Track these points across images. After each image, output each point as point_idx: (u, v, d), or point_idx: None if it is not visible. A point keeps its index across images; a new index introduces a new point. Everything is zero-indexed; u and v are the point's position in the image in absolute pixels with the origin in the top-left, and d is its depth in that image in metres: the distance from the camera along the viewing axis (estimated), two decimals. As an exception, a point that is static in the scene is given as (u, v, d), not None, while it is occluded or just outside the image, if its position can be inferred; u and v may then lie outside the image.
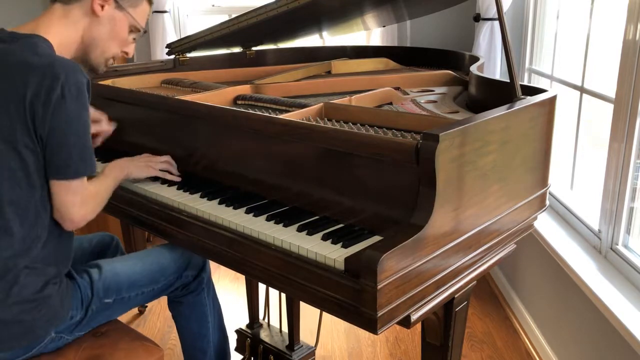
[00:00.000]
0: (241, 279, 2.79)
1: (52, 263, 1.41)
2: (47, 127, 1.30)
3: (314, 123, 1.52)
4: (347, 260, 1.15)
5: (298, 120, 1.50)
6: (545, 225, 2.29)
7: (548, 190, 1.62)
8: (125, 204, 1.68)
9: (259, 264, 1.32)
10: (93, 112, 1.70)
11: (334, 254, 1.19)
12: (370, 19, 2.51)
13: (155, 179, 1.68)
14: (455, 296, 1.35)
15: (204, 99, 1.81)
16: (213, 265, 1.83)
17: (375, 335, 2.46)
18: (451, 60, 2.49)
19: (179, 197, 1.56)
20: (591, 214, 2.12)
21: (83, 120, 1.35)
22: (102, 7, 1.44)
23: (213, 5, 3.57)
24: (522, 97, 1.52)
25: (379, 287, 1.06)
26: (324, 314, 1.71)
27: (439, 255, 1.20)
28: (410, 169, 1.19)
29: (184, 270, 1.66)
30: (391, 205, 1.26)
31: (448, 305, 1.37)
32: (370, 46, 3.26)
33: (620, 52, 1.84)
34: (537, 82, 2.86)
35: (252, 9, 2.08)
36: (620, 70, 1.84)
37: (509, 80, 1.55)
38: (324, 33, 2.68)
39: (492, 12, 2.92)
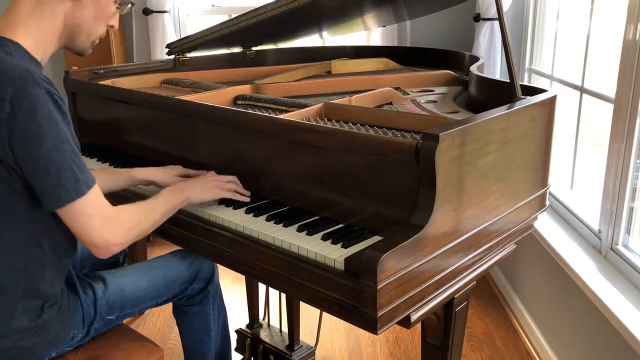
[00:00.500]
0: (241, 279, 2.79)
1: (46, 287, 1.32)
2: (10, 154, 1.15)
3: (314, 123, 1.52)
4: (347, 260, 1.15)
5: (298, 120, 1.50)
6: (545, 225, 2.29)
7: (548, 190, 1.62)
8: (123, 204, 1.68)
9: (259, 264, 1.32)
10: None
11: (334, 254, 1.19)
12: (370, 19, 2.51)
13: None
14: (455, 296, 1.35)
15: (204, 99, 1.81)
16: (213, 265, 1.83)
17: (375, 335, 2.45)
18: (451, 60, 2.49)
19: (179, 197, 1.56)
20: (591, 214, 2.12)
21: (50, 141, 1.15)
22: None
23: (213, 5, 3.57)
24: (522, 97, 1.52)
25: (379, 287, 1.06)
26: (324, 314, 1.71)
27: (439, 255, 1.20)
28: (410, 169, 1.19)
29: (191, 283, 1.61)
30: (391, 205, 1.26)
31: (448, 305, 1.37)
32: (370, 46, 3.26)
33: (620, 52, 1.84)
34: (537, 82, 2.86)
35: (252, 9, 2.08)
36: (620, 70, 1.84)
37: (509, 80, 1.55)
38: (324, 33, 2.67)
39: (492, 12, 2.92)
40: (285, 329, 2.16)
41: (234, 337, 2.05)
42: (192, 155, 1.70)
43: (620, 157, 1.85)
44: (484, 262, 1.41)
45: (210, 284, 1.67)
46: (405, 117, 1.58)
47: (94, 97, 2.07)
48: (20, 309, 1.29)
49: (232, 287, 2.99)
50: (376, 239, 1.25)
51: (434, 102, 1.86)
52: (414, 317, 1.21)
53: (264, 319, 2.31)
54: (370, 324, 1.10)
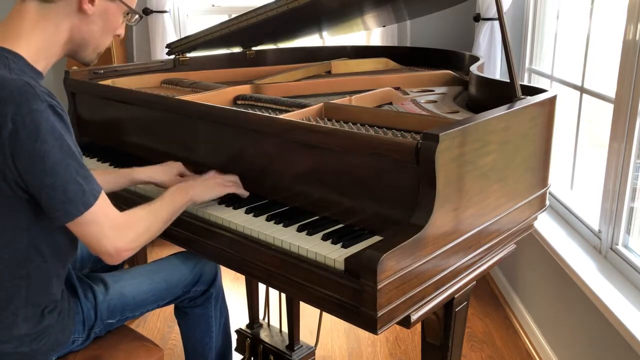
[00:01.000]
0: (241, 279, 2.79)
1: (47, 292, 1.32)
2: (14, 170, 1.13)
3: (314, 123, 1.52)
4: (347, 260, 1.15)
5: (298, 120, 1.50)
6: (545, 225, 2.29)
7: (548, 190, 1.62)
8: (123, 204, 1.68)
9: (259, 264, 1.32)
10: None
11: (334, 254, 1.19)
12: (370, 19, 2.51)
13: None
14: (455, 296, 1.35)
15: (204, 99, 1.81)
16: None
17: (375, 335, 2.45)
18: (451, 60, 2.49)
19: (179, 197, 1.56)
20: (591, 214, 2.12)
21: (55, 156, 1.13)
22: (93, 1, 1.23)
23: (213, 5, 3.57)
24: (522, 97, 1.52)
25: (379, 287, 1.06)
26: (324, 314, 1.71)
27: (438, 255, 1.20)
28: (410, 169, 1.19)
29: (193, 285, 1.60)
30: (391, 205, 1.26)
31: (448, 305, 1.37)
32: (370, 46, 3.26)
33: (620, 52, 1.84)
34: (537, 82, 2.86)
35: (252, 9, 2.08)
36: (620, 70, 1.84)
37: (509, 80, 1.55)
38: (324, 33, 2.67)
39: (492, 12, 2.92)
40: (285, 329, 2.16)
41: (234, 337, 2.05)
42: (192, 155, 1.70)
43: (620, 157, 1.85)
44: (484, 262, 1.41)
45: (213, 286, 1.66)
46: (405, 117, 1.58)
47: (94, 97, 2.07)
48: (22, 317, 1.29)
49: (232, 287, 2.99)
50: (376, 239, 1.25)
51: (434, 102, 1.86)
52: (414, 317, 1.21)
53: (264, 319, 2.31)
54: (370, 324, 1.10)
